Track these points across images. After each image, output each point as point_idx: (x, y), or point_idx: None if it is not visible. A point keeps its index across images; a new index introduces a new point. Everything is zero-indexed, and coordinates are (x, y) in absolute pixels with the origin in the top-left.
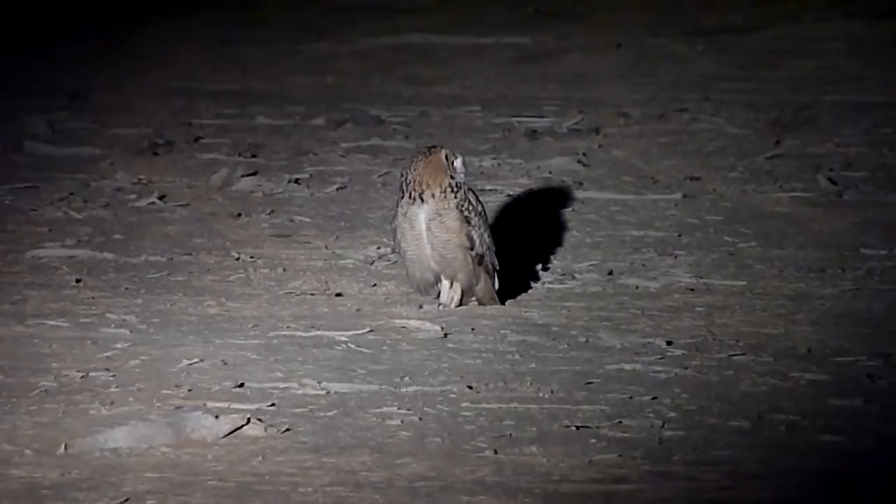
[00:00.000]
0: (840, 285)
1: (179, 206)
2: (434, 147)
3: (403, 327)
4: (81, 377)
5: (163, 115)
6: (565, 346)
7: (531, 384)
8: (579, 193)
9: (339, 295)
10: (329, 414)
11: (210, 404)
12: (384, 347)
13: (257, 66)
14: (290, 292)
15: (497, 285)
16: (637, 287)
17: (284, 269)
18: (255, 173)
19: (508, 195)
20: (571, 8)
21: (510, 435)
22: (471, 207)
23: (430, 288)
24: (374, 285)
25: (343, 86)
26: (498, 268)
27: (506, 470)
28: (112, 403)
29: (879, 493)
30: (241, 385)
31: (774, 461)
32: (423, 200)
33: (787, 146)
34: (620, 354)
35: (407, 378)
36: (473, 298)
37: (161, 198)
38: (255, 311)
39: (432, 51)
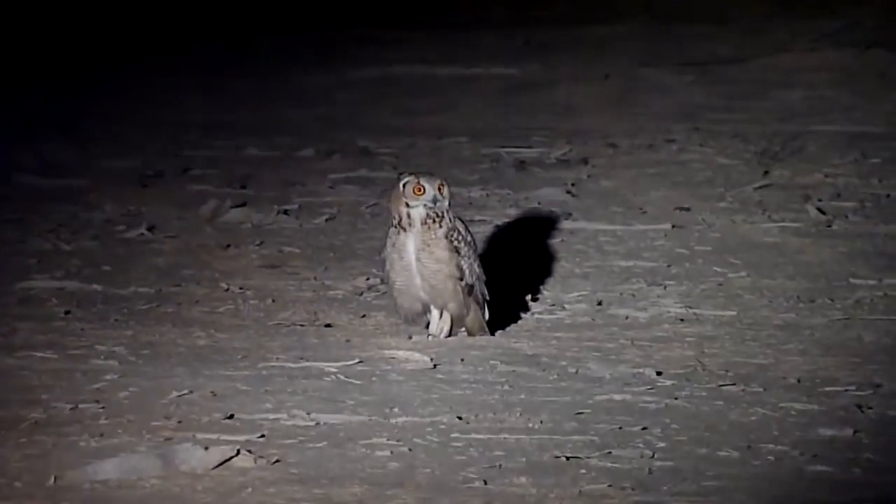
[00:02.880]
0: (829, 315)
1: (168, 237)
2: (402, 174)
3: (393, 358)
4: (71, 409)
5: (152, 147)
6: (555, 376)
7: (521, 415)
8: (568, 224)
9: (328, 326)
10: (319, 445)
11: (199, 436)
12: (373, 378)
13: (246, 97)
14: (279, 323)
15: (487, 315)
16: (626, 317)
17: (273, 300)
18: (244, 204)
19: (497, 226)
20: (560, 39)
21: (500, 465)
22: (460, 237)
23: (418, 318)
24: (364, 316)
25: (332, 117)
26: (488, 298)
27: (496, 501)
28: (101, 435)
29: None
30: (231, 416)
31: (764, 491)
32: (405, 230)
33: (776, 176)
34: (610, 385)
35: (396, 409)
36: (463, 329)
37: (150, 229)
38: (245, 342)
39: (421, 82)
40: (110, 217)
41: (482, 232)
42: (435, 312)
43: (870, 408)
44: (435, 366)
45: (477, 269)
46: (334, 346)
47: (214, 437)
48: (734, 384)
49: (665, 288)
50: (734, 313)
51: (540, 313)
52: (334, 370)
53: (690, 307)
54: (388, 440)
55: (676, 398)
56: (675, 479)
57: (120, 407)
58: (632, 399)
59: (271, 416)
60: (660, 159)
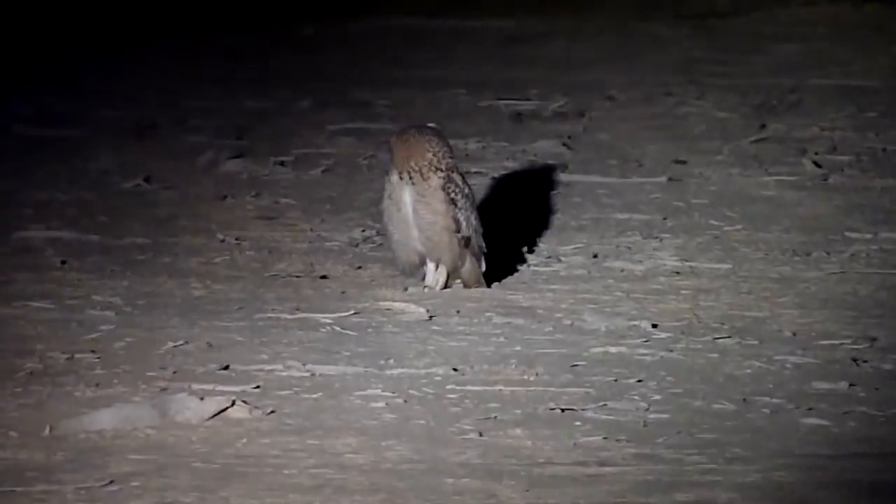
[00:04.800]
0: (825, 269)
1: (165, 188)
2: (412, 127)
3: (388, 310)
4: (66, 359)
5: (148, 98)
6: (550, 328)
7: (516, 367)
8: (564, 176)
9: (324, 277)
10: (314, 396)
11: (195, 386)
12: (369, 330)
13: (243, 48)
14: (275, 274)
15: (483, 267)
16: (622, 270)
17: (270, 252)
18: (240, 156)
19: (493, 178)
20: None
21: (495, 417)
22: (457, 189)
23: (415, 270)
24: (360, 268)
25: (328, 69)
26: (485, 250)
27: (491, 452)
28: (97, 385)
29: (864, 476)
30: (226, 367)
31: (759, 444)
32: (411, 181)
33: (773, 130)
34: (605, 337)
35: (392, 360)
36: (459, 280)
37: (146, 180)
38: (241, 293)
39: (418, 34)
40: (107, 168)
41: (479, 184)
42: (431, 264)
43: (865, 361)
44: (431, 317)
45: (474, 222)
46: (330, 298)
47: (210, 387)
48: (729, 337)
49: (661, 241)
50: (730, 266)
51: (536, 265)
52: (330, 321)
53: (686, 260)
54: (383, 391)
55: (672, 351)
56: (670, 431)
57: (116, 357)
58: (627, 352)
59: (267, 367)
60: (656, 112)
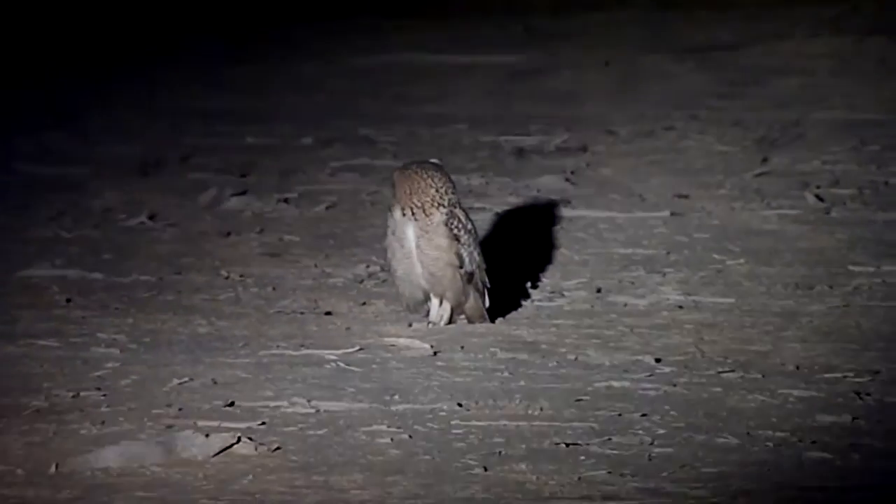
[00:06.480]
0: (828, 302)
1: (169, 225)
2: (414, 163)
3: (393, 345)
4: (72, 397)
5: (152, 135)
6: (554, 363)
7: (520, 401)
8: (567, 211)
9: (328, 313)
10: (319, 432)
11: (200, 423)
12: (374, 366)
13: (246, 85)
14: (279, 311)
15: (487, 303)
16: (626, 304)
17: (274, 288)
18: (244, 192)
19: (496, 213)
20: (560, 26)
21: (500, 452)
22: (460, 225)
23: (419, 306)
24: (364, 303)
25: (331, 105)
26: (488, 285)
27: (496, 487)
28: (103, 423)
29: None
30: (232, 404)
31: (763, 478)
32: (414, 217)
33: (775, 164)
34: (609, 372)
35: (397, 396)
36: (463, 316)
37: (150, 217)
38: (245, 329)
39: (421, 70)
40: (111, 205)
41: (482, 220)
42: (435, 300)
43: (868, 394)
44: (435, 353)
45: (477, 257)
46: (334, 334)
47: (215, 424)
48: (733, 371)
49: (664, 275)
50: (733, 300)
51: (539, 301)
52: (334, 358)
53: (689, 294)
54: (388, 427)
55: (675, 385)
56: (674, 465)
57: (121, 394)
58: (631, 386)
59: (272, 404)
60: (659, 147)
